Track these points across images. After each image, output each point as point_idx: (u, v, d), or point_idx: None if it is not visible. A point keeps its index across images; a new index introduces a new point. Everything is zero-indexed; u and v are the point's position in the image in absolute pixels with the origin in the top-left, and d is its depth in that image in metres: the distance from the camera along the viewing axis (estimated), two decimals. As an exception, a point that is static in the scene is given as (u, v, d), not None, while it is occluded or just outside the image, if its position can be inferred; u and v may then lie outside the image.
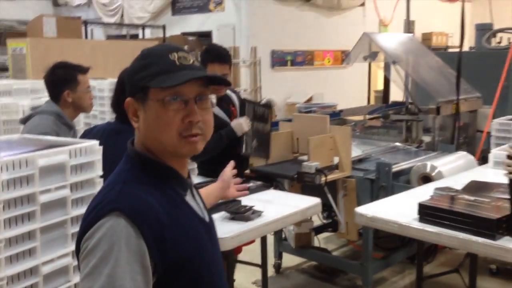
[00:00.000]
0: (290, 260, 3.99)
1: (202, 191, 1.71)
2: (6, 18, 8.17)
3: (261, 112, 3.31)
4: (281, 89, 9.03)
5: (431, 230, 2.15)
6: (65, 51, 4.34)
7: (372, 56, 4.31)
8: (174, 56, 1.11)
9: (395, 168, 3.33)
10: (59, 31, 4.59)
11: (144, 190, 1.07)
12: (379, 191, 3.26)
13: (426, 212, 2.24)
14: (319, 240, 4.06)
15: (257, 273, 3.63)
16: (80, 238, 1.05)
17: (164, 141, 1.11)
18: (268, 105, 3.39)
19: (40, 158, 1.54)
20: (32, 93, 3.57)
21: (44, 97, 3.50)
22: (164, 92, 1.09)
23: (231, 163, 1.89)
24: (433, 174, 3.22)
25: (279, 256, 3.92)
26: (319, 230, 4.09)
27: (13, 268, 1.50)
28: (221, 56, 3.07)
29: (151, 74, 1.10)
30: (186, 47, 7.58)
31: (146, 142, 1.14)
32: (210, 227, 1.23)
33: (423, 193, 2.60)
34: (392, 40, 4.69)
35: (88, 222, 1.04)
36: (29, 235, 1.56)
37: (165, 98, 1.09)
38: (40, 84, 3.72)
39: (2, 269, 1.46)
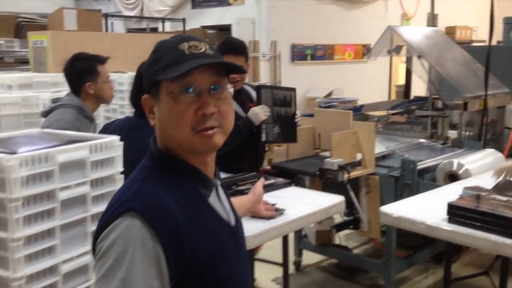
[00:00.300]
0: (310, 257, 3.93)
1: (234, 201, 1.64)
2: (27, 12, 8.21)
3: (283, 96, 3.22)
4: (301, 83, 8.91)
5: (462, 232, 2.07)
6: (85, 44, 4.31)
7: (396, 50, 4.20)
8: (184, 46, 1.04)
9: (420, 166, 3.24)
10: (80, 24, 4.57)
11: (163, 190, 1.01)
12: (404, 189, 3.18)
13: (456, 213, 2.16)
14: (340, 238, 3.99)
15: (277, 271, 3.58)
16: (96, 237, 1.00)
17: (178, 137, 1.04)
18: (291, 88, 3.31)
19: (59, 154, 1.50)
20: (53, 86, 3.55)
21: (64, 90, 3.48)
22: (174, 84, 1.02)
23: (262, 180, 1.80)
24: (460, 172, 3.12)
25: (299, 253, 3.87)
26: (340, 227, 4.01)
27: (32, 266, 1.47)
28: (236, 47, 3.01)
29: (161, 68, 1.03)
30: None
31: (164, 139, 1.08)
32: (235, 231, 1.14)
33: (451, 192, 2.52)
34: (417, 33, 4.57)
35: (104, 221, 0.99)
36: (49, 233, 1.52)
37: (175, 91, 1.02)
38: (61, 77, 3.70)
39: (21, 268, 1.43)
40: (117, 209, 0.98)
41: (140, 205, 0.97)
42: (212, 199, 1.10)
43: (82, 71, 2.67)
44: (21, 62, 6.31)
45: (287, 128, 3.25)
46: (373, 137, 3.26)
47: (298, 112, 3.33)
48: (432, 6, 6.06)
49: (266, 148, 6.39)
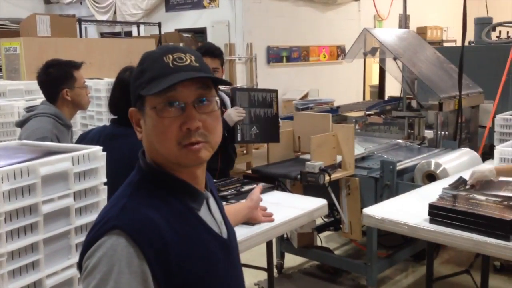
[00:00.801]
0: (292, 260, 3.94)
1: (231, 207, 1.64)
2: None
3: (262, 98, 3.25)
4: (277, 85, 8.88)
5: (443, 232, 2.11)
6: (59, 50, 4.23)
7: (372, 52, 4.25)
8: (168, 58, 1.02)
9: (399, 166, 3.29)
10: (53, 29, 4.49)
11: (150, 206, 1.00)
12: (384, 190, 3.22)
13: (437, 213, 2.19)
14: (321, 239, 4.01)
15: (259, 275, 3.58)
16: (82, 255, 0.99)
17: (164, 152, 1.02)
18: (272, 90, 3.33)
19: (41, 167, 1.47)
20: (27, 94, 3.48)
21: (39, 98, 3.42)
22: (158, 99, 0.99)
23: (260, 186, 1.77)
24: (438, 171, 3.18)
25: (281, 256, 3.87)
26: (320, 229, 4.04)
27: (16, 282, 1.43)
28: (212, 50, 3.10)
29: (145, 81, 1.01)
30: (181, 44, 7.49)
31: (151, 154, 1.06)
32: (227, 243, 1.12)
33: (430, 192, 2.56)
34: (391, 35, 4.63)
35: (90, 239, 0.97)
36: (32, 248, 1.49)
37: (159, 105, 0.99)
38: (35, 84, 3.64)
39: (5, 284, 1.39)
40: (102, 226, 0.97)
41: (126, 223, 0.95)
42: (203, 212, 1.09)
43: (58, 78, 2.62)
44: (-7, 70, 6.18)
45: (269, 128, 3.28)
46: (352, 139, 3.29)
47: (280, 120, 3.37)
48: (405, 7, 6.16)
49: (244, 152, 6.42)
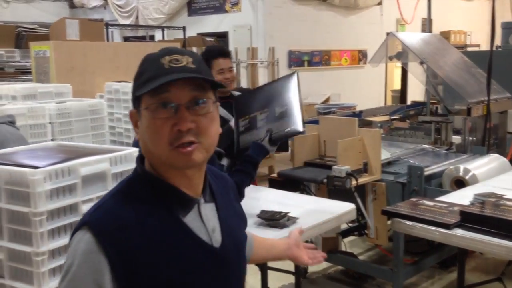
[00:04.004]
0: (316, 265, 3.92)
1: (267, 240, 1.56)
2: (25, 21, 8.20)
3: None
4: (298, 89, 8.95)
5: (476, 238, 2.08)
6: (87, 54, 4.31)
7: (398, 56, 4.22)
8: (165, 59, 1.02)
9: (427, 172, 3.25)
10: (81, 33, 4.56)
11: (128, 207, 1.01)
12: (411, 195, 3.18)
13: (469, 219, 2.17)
14: (345, 244, 3.99)
15: (283, 278, 3.58)
16: None
17: (156, 153, 1.02)
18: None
19: (82, 167, 1.49)
20: (57, 96, 3.55)
21: (68, 100, 3.48)
22: (152, 99, 1.00)
23: (300, 228, 1.63)
24: (467, 177, 3.14)
25: (305, 260, 3.86)
26: (345, 233, 4.01)
27: (56, 280, 1.46)
28: (224, 51, 3.01)
29: (141, 82, 1.02)
30: (204, 49, 7.54)
31: (146, 155, 1.06)
32: (218, 252, 1.08)
33: (460, 198, 2.53)
34: (417, 39, 4.60)
35: (71, 234, 1.03)
36: (71, 246, 1.51)
37: (152, 106, 1.00)
38: (64, 87, 3.72)
39: (46, 282, 1.42)
40: (79, 221, 1.02)
41: (94, 221, 0.98)
42: (190, 218, 1.06)
43: None
44: (22, 72, 6.29)
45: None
46: (379, 143, 3.27)
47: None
48: (429, 11, 6.11)
49: (268, 156, 6.41)
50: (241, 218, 1.28)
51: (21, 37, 6.33)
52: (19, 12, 10.39)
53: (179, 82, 1.00)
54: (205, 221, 1.08)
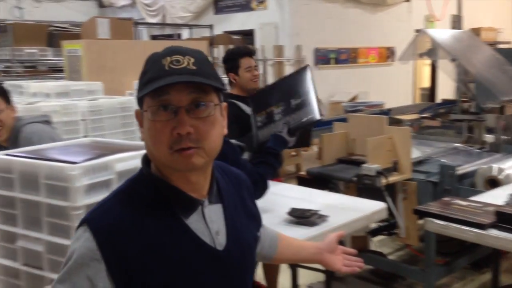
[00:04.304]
0: (344, 263, 3.89)
1: (295, 241, 1.52)
2: (56, 20, 8.38)
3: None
4: (325, 87, 8.89)
5: (513, 239, 2.03)
6: (117, 52, 4.37)
7: (428, 53, 4.15)
8: (166, 60, 1.00)
9: (459, 171, 3.19)
10: (112, 32, 4.63)
11: (128, 206, 1.00)
12: (443, 195, 3.13)
13: (505, 220, 2.12)
14: (374, 243, 3.95)
15: (311, 276, 3.56)
16: None
17: (157, 155, 1.01)
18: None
19: (117, 163, 1.51)
20: (89, 94, 3.61)
21: (100, 98, 3.53)
22: (153, 101, 0.99)
23: (341, 233, 1.55)
24: (501, 177, 3.07)
25: (333, 259, 3.83)
26: (374, 233, 3.97)
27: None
28: (249, 49, 3.10)
29: (143, 83, 1.01)
30: (230, 47, 7.56)
31: (149, 155, 1.05)
32: (221, 255, 1.07)
33: (494, 198, 2.48)
34: (448, 36, 4.51)
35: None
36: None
37: (152, 108, 0.99)
38: (96, 85, 3.78)
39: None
40: (82, 218, 1.03)
41: (94, 219, 0.99)
42: (193, 220, 1.05)
43: None
44: (54, 70, 6.42)
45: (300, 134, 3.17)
46: (409, 142, 3.22)
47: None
48: (459, 7, 5.99)
49: (294, 153, 6.40)
50: (253, 219, 1.25)
51: (53, 36, 6.46)
52: (49, 11, 10.61)
53: (178, 85, 0.98)
54: (208, 223, 1.07)
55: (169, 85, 0.97)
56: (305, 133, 3.14)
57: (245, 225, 1.17)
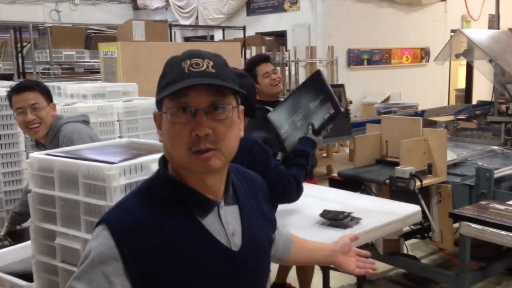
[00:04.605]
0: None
1: (309, 243, 1.53)
2: (92, 23, 8.58)
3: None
4: (357, 88, 8.83)
5: (553, 245, 1.97)
6: (152, 54, 4.44)
7: (465, 53, 4.07)
8: (186, 63, 1.02)
9: (497, 174, 3.12)
10: (147, 34, 4.72)
11: (146, 207, 1.02)
12: (479, 199, 3.06)
13: (545, 225, 2.06)
14: (407, 247, 3.89)
15: (343, 279, 3.54)
16: None
17: (176, 157, 1.03)
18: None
19: (152, 163, 1.54)
20: (124, 95, 3.68)
21: (135, 99, 3.60)
22: (172, 103, 1.01)
23: (355, 235, 1.57)
24: (540, 181, 2.99)
25: (365, 262, 3.79)
26: (407, 236, 3.91)
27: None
28: (263, 56, 3.17)
29: (162, 85, 1.03)
30: (263, 48, 7.59)
31: (167, 157, 1.07)
32: (236, 256, 1.08)
33: (533, 202, 2.41)
34: (486, 36, 4.42)
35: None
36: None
37: (172, 110, 1.00)
38: (131, 86, 3.85)
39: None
40: (100, 218, 1.05)
41: (112, 219, 1.01)
42: (209, 221, 1.06)
43: None
44: (90, 72, 6.58)
45: (338, 125, 3.19)
46: (445, 144, 3.17)
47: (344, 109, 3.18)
48: (497, 7, 5.84)
49: (325, 155, 6.37)
50: (269, 221, 1.25)
51: (90, 38, 6.63)
52: (86, 14, 10.87)
53: (197, 87, 1.00)
54: (224, 224, 1.08)
55: (189, 87, 0.99)
56: (343, 124, 3.15)
57: (260, 227, 1.18)
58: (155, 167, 1.56)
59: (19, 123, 2.47)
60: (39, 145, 2.58)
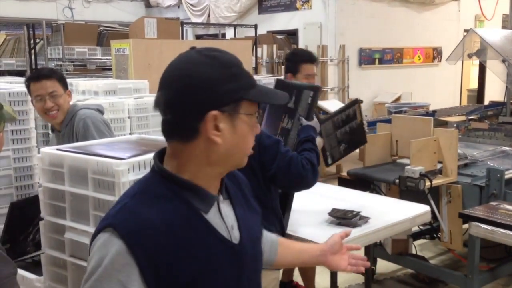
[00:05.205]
0: (384, 266, 3.84)
1: (296, 244, 1.54)
2: (104, 20, 8.64)
3: (345, 116, 3.15)
4: (369, 88, 8.79)
5: None
6: (164, 51, 4.46)
7: (478, 53, 4.04)
8: (244, 68, 1.11)
9: (508, 175, 3.09)
10: (159, 32, 4.74)
11: (151, 206, 1.01)
12: (489, 199, 3.04)
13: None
14: (415, 247, 3.87)
15: (350, 278, 3.54)
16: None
17: (244, 153, 1.10)
18: (353, 102, 3.21)
19: (161, 160, 1.55)
20: (135, 92, 3.70)
21: (146, 96, 3.61)
22: (253, 107, 1.08)
23: (347, 232, 1.54)
24: (552, 182, 2.96)
25: (373, 262, 3.79)
26: (416, 236, 3.90)
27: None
28: (313, 57, 3.08)
29: (244, 87, 1.04)
30: (274, 46, 7.59)
31: (210, 156, 1.05)
32: (237, 249, 1.10)
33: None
34: (500, 36, 4.38)
35: (93, 234, 1.04)
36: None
37: (253, 112, 1.08)
38: (142, 83, 3.87)
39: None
40: (101, 223, 1.02)
41: (120, 223, 0.99)
42: (211, 215, 1.08)
43: None
44: (102, 69, 6.62)
45: (355, 136, 3.20)
46: (456, 144, 3.16)
47: (365, 122, 3.22)
48: (511, 6, 5.78)
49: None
50: (257, 213, 1.27)
51: (102, 35, 6.66)
52: (99, 11, 10.93)
53: None
54: (224, 218, 1.10)
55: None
56: (359, 135, 3.15)
57: (251, 219, 1.21)
58: (164, 163, 1.57)
59: (37, 109, 2.57)
60: (54, 130, 2.70)
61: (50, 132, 3.00)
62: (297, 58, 3.00)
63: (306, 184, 2.13)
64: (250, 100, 1.05)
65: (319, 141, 2.91)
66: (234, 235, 1.11)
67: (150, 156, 1.54)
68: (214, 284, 1.05)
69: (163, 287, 0.98)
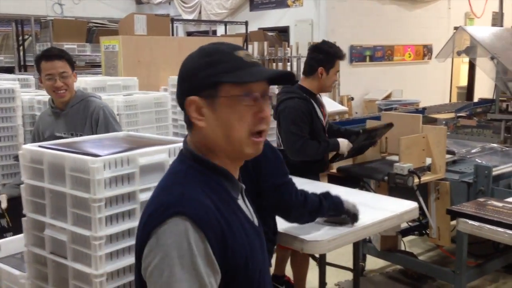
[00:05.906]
0: (373, 262, 3.84)
1: None
2: (95, 16, 8.57)
3: (374, 134, 3.21)
4: (359, 85, 8.80)
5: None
6: (154, 48, 4.43)
7: (467, 51, 4.05)
8: (239, 53, 1.09)
9: (495, 172, 3.10)
10: (149, 28, 4.70)
11: (203, 194, 1.05)
12: (477, 196, 3.05)
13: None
14: (404, 243, 3.87)
15: (340, 275, 3.53)
16: (142, 245, 1.04)
17: (233, 139, 1.08)
18: (387, 125, 3.25)
19: (140, 157, 1.53)
20: (124, 89, 3.67)
21: (135, 93, 3.59)
22: (238, 88, 1.07)
23: None
24: (539, 179, 2.97)
25: (362, 258, 3.79)
26: (404, 232, 3.90)
27: (113, 264, 1.50)
28: (343, 55, 3.09)
29: (222, 71, 1.06)
30: (265, 43, 7.56)
31: (206, 142, 1.10)
32: (259, 231, 1.21)
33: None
34: (488, 33, 4.39)
35: (151, 226, 1.02)
36: (129, 233, 1.55)
37: (238, 94, 1.07)
38: (131, 80, 3.84)
39: (103, 265, 1.47)
40: (163, 213, 1.01)
41: (189, 209, 1.01)
42: (240, 201, 1.16)
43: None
44: (92, 66, 6.57)
45: (364, 148, 3.26)
46: (444, 141, 3.15)
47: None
48: (501, 4, 5.80)
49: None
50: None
51: (92, 32, 6.60)
52: (89, 7, 10.84)
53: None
54: (247, 204, 1.20)
55: (271, 75, 1.10)
56: (362, 150, 3.20)
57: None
58: (143, 161, 1.55)
59: (46, 86, 2.66)
60: (54, 109, 2.75)
61: (37, 113, 3.12)
62: (334, 53, 2.98)
63: (291, 215, 2.00)
64: (228, 82, 1.06)
65: (346, 144, 2.94)
66: (254, 219, 1.20)
67: (128, 153, 1.52)
68: (255, 264, 1.11)
69: (227, 270, 1.03)
